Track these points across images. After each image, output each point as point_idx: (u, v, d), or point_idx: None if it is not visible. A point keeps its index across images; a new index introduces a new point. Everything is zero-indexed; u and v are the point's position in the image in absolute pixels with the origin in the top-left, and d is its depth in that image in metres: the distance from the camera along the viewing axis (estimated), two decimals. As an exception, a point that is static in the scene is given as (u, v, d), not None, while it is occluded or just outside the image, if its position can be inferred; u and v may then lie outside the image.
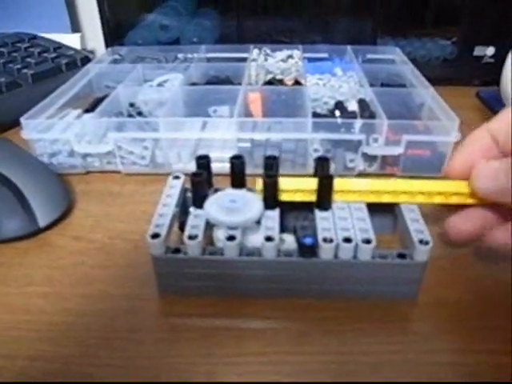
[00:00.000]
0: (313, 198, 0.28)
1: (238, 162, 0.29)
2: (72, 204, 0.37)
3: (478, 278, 0.30)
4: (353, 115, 0.40)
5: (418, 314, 0.27)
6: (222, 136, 0.39)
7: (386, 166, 0.40)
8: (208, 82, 0.50)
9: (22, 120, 0.39)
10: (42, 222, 0.33)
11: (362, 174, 0.40)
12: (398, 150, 0.38)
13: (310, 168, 0.39)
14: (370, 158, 0.39)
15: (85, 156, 0.40)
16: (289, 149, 0.39)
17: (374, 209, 0.29)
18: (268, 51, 0.56)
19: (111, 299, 0.28)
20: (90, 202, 0.37)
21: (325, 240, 0.26)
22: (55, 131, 0.40)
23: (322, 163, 0.30)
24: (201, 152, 0.38)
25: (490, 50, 0.58)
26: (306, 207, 0.30)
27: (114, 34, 0.62)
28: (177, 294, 0.28)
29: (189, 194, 0.31)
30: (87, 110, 0.45)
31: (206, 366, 0.24)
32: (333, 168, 0.39)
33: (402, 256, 0.26)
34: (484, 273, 0.30)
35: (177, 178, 0.31)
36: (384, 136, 0.38)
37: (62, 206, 0.35)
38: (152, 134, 0.39)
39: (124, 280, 0.30)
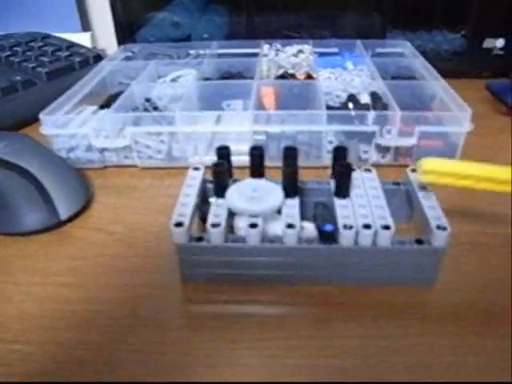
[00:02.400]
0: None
1: (257, 153, 0.30)
2: (91, 198, 0.37)
3: (497, 264, 0.30)
4: (366, 107, 0.41)
5: (436, 298, 0.28)
6: (238, 129, 0.39)
7: (398, 157, 0.40)
8: (221, 77, 0.51)
9: (41, 116, 0.40)
10: (64, 215, 0.34)
11: (375, 165, 0.40)
12: (411, 141, 0.39)
13: (325, 159, 0.39)
14: (383, 150, 0.40)
15: (102, 150, 0.41)
16: (303, 141, 0.39)
17: (390, 197, 0.30)
18: (279, 46, 0.57)
19: (134, 288, 0.29)
20: (108, 195, 0.38)
21: (345, 227, 0.26)
22: (73, 126, 0.41)
23: (339, 152, 0.30)
24: (217, 145, 0.39)
25: (500, 42, 0.58)
26: (324, 196, 0.30)
27: (126, 32, 0.63)
28: (200, 282, 0.29)
29: (208, 185, 0.31)
30: (102, 106, 0.46)
31: (230, 351, 0.25)
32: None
33: (420, 242, 0.27)
34: (503, 260, 0.30)
35: (197, 169, 0.32)
36: (397, 127, 0.38)
37: (82, 199, 0.36)
38: (168, 128, 0.39)
39: (146, 270, 0.30)
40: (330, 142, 0.39)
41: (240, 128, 0.39)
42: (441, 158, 0.29)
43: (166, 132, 0.40)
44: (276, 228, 0.28)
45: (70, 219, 0.35)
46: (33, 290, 0.29)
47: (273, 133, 0.39)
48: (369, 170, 0.32)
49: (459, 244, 0.31)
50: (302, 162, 0.38)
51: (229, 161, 0.31)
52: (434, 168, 0.28)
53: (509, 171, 0.28)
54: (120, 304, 0.28)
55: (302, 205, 0.29)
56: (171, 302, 0.28)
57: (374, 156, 0.40)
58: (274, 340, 0.25)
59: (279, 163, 0.30)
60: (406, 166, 0.39)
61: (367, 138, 0.39)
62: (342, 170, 0.29)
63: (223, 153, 0.30)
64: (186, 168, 0.33)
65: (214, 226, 0.27)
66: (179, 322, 0.27)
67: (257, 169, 0.30)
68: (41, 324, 0.27)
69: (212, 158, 0.31)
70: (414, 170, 0.32)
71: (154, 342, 0.26)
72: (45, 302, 0.28)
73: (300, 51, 0.55)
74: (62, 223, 0.34)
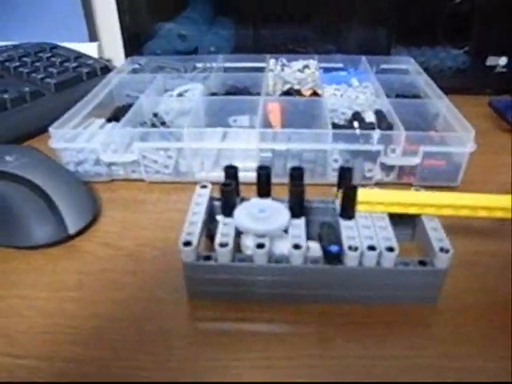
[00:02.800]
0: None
1: (264, 173, 0.31)
2: (99, 211, 0.38)
3: (497, 285, 0.31)
4: (371, 126, 0.41)
5: (438, 318, 0.28)
6: (245, 146, 0.40)
7: (402, 176, 0.41)
8: (227, 93, 0.51)
9: (51, 129, 0.40)
10: (72, 229, 0.34)
11: (379, 184, 0.40)
12: (415, 161, 0.39)
13: (330, 177, 0.40)
14: (387, 168, 0.40)
15: (110, 165, 0.41)
16: (309, 159, 0.40)
17: (393, 218, 0.30)
18: (284, 61, 0.57)
19: (141, 304, 0.29)
20: (115, 209, 0.39)
21: (350, 248, 0.27)
22: (81, 140, 0.41)
23: (345, 173, 0.31)
24: (223, 162, 0.40)
25: (503, 60, 0.59)
26: (329, 215, 0.31)
27: (133, 44, 0.64)
28: (206, 299, 0.29)
29: (215, 203, 0.32)
30: (110, 119, 0.47)
31: (235, 370, 0.25)
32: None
33: (423, 263, 0.28)
34: (504, 280, 0.31)
35: (204, 187, 0.32)
36: (402, 147, 0.39)
37: (91, 213, 0.36)
38: (176, 144, 0.40)
39: (153, 286, 0.31)
40: (336, 161, 0.39)
41: (246, 145, 0.40)
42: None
43: (173, 148, 0.40)
44: (282, 247, 0.28)
45: (78, 233, 0.35)
46: (40, 304, 0.30)
47: (279, 150, 0.40)
48: None
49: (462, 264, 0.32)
50: (307, 179, 0.38)
51: (236, 180, 0.31)
52: (367, 198, 0.30)
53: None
54: (127, 320, 0.28)
55: (308, 224, 0.30)
56: (177, 319, 0.28)
57: (378, 174, 0.40)
58: (278, 359, 0.26)
59: (285, 180, 0.31)
60: (410, 185, 0.40)
61: (372, 156, 0.39)
62: (347, 193, 0.29)
63: (231, 172, 0.31)
64: (193, 183, 0.33)
65: (222, 245, 0.27)
66: (185, 340, 0.27)
67: (264, 188, 0.31)
68: (48, 339, 0.27)
69: (218, 174, 0.31)
70: (417, 190, 0.32)
71: (159, 359, 0.26)
72: (52, 316, 0.29)
73: (306, 66, 0.56)
74: (70, 237, 0.35)
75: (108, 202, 0.39)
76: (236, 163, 0.31)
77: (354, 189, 0.29)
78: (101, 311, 0.29)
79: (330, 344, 0.27)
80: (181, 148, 0.40)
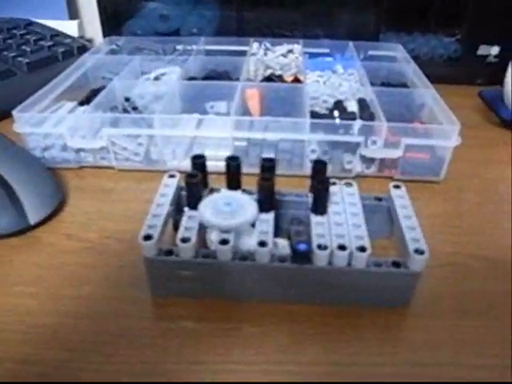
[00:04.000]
0: None
1: (234, 164, 0.29)
2: (64, 200, 0.36)
3: (471, 288, 0.29)
4: (352, 116, 0.40)
5: (409, 322, 0.27)
6: (219, 134, 0.38)
7: (384, 169, 0.39)
8: (206, 77, 0.49)
9: (15, 113, 0.38)
10: (33, 219, 0.33)
11: (359, 176, 0.39)
12: (396, 154, 0.38)
13: (307, 168, 0.38)
14: (368, 160, 0.39)
15: (78, 151, 0.39)
16: (285, 149, 0.38)
17: (371, 212, 0.29)
18: (268, 45, 0.55)
19: (103, 301, 0.28)
20: (82, 198, 0.37)
21: (319, 247, 0.25)
22: (48, 125, 0.39)
23: (318, 167, 0.29)
24: (196, 150, 0.38)
25: (495, 50, 0.57)
26: (302, 210, 0.29)
27: (112, 23, 0.61)
28: (169, 296, 0.28)
29: (184, 193, 0.30)
30: (82, 103, 0.45)
31: (197, 374, 0.24)
32: (330, 169, 0.39)
33: (396, 264, 0.26)
34: (477, 284, 0.30)
35: (172, 176, 0.31)
36: (383, 138, 0.37)
37: (54, 202, 0.34)
38: (147, 131, 0.38)
39: (117, 281, 0.29)
40: (313, 151, 0.38)
41: (221, 134, 0.38)
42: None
43: (144, 135, 0.38)
44: (249, 243, 0.27)
45: (40, 223, 0.33)
46: (-6, 299, 0.28)
47: (254, 139, 0.38)
48: (350, 184, 0.31)
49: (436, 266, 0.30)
50: (283, 170, 0.38)
51: (204, 170, 0.30)
52: None
53: None
54: (88, 318, 0.27)
55: (278, 218, 0.28)
56: (141, 318, 0.27)
57: (358, 167, 0.39)
58: (241, 363, 0.24)
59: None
60: (391, 178, 0.39)
61: (352, 148, 0.38)
62: (319, 187, 0.28)
63: (198, 162, 0.29)
64: (164, 172, 0.32)
65: (184, 240, 0.26)
66: (149, 340, 0.26)
67: (233, 179, 0.29)
68: (0, 338, 0.26)
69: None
70: (396, 187, 0.31)
71: (121, 361, 0.24)
72: (6, 313, 0.27)
73: (290, 51, 0.54)
74: (31, 227, 0.33)
75: (75, 190, 0.38)
76: (209, 152, 0.30)
77: (326, 183, 0.27)
78: (59, 308, 0.27)
79: (293, 348, 0.25)
80: (152, 135, 0.38)
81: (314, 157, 0.38)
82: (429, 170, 0.39)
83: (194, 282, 0.27)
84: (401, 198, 0.30)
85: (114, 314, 0.27)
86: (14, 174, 0.33)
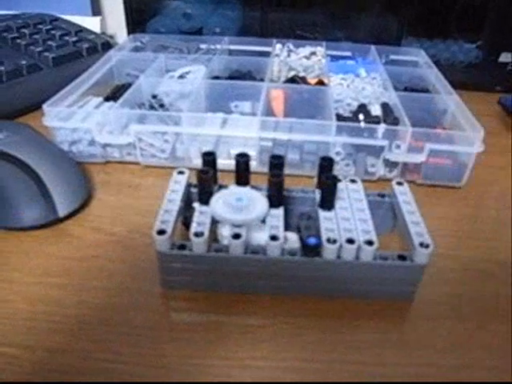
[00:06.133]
0: None
1: (242, 160, 0.29)
2: (91, 194, 0.37)
3: (474, 279, 0.30)
4: (376, 120, 0.40)
5: (414, 314, 0.28)
6: (245, 134, 0.38)
7: (406, 173, 0.40)
8: (230, 76, 0.50)
9: (45, 107, 0.39)
10: (62, 212, 0.33)
11: (381, 180, 0.39)
12: (420, 158, 0.38)
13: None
14: (391, 164, 0.39)
15: (105, 146, 0.40)
16: (310, 150, 0.38)
17: (375, 208, 0.30)
18: (291, 47, 0.56)
19: (129, 294, 0.28)
20: (108, 192, 0.37)
21: (328, 240, 0.26)
22: (77, 119, 0.40)
23: (326, 163, 0.30)
24: (222, 148, 0.39)
25: (516, 57, 0.57)
26: (309, 205, 0.30)
27: (136, 21, 0.62)
28: (180, 290, 0.28)
29: (192, 190, 0.31)
30: (108, 98, 0.45)
31: (221, 369, 0.24)
32: (353, 172, 0.39)
33: (402, 258, 0.27)
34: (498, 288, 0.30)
35: (181, 173, 0.31)
36: (407, 143, 0.37)
37: (82, 196, 0.35)
38: (174, 128, 0.39)
39: (142, 275, 0.30)
40: (338, 154, 0.38)
41: (246, 133, 0.38)
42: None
43: (170, 132, 0.39)
44: (260, 237, 0.27)
45: (68, 216, 0.34)
46: (25, 289, 0.29)
47: (280, 140, 0.38)
48: (354, 181, 0.32)
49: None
50: (307, 171, 0.38)
51: (214, 167, 0.30)
52: None
53: None
54: (113, 310, 0.27)
55: (287, 214, 0.29)
56: (164, 312, 0.28)
57: (381, 170, 0.39)
58: (249, 359, 0.25)
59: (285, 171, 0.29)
60: (413, 183, 0.39)
61: (376, 151, 0.38)
62: (327, 183, 0.28)
63: (209, 159, 0.30)
64: (190, 169, 0.32)
65: (197, 235, 0.26)
66: (171, 334, 0.26)
67: (242, 176, 0.30)
68: (30, 326, 0.26)
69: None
70: (399, 183, 0.31)
71: (142, 353, 0.25)
72: (36, 303, 0.28)
73: (313, 53, 0.54)
74: (60, 220, 0.34)
75: (101, 184, 0.38)
76: (235, 151, 0.30)
77: (334, 179, 0.28)
78: (86, 299, 0.28)
79: (304, 339, 0.26)
80: (178, 133, 0.39)
81: (338, 159, 0.38)
82: (451, 176, 0.39)
83: (206, 276, 0.28)
84: (404, 195, 0.30)
85: (139, 307, 0.28)
86: (44, 168, 0.34)
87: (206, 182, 0.29)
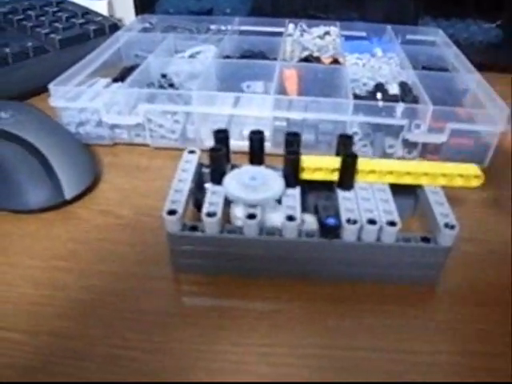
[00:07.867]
0: (333, 177, 0.27)
1: (256, 138, 0.28)
2: (98, 176, 0.36)
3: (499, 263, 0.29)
4: (395, 98, 0.38)
5: (438, 299, 0.27)
6: (258, 113, 0.37)
7: (426, 154, 0.38)
8: (242, 56, 0.48)
9: (51, 86, 0.37)
10: (69, 194, 0.32)
11: (400, 161, 0.38)
12: (441, 139, 0.36)
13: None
14: (410, 145, 0.37)
15: (113, 127, 0.39)
16: (326, 130, 0.37)
17: (394, 191, 0.28)
18: (304, 26, 0.54)
19: (136, 278, 0.27)
20: (116, 174, 0.36)
21: (348, 221, 0.25)
22: (84, 99, 0.38)
23: (344, 141, 0.28)
24: (234, 129, 0.37)
25: (539, 37, 0.55)
26: (326, 186, 0.28)
27: (145, 1, 0.60)
28: (191, 274, 0.27)
29: (204, 170, 0.30)
30: (116, 79, 0.44)
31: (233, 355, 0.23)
32: (371, 152, 0.38)
33: (426, 240, 0.25)
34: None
35: (192, 152, 0.30)
36: (427, 122, 0.36)
37: (89, 178, 0.34)
38: (184, 108, 0.37)
39: (150, 259, 0.29)
40: (355, 134, 0.36)
41: (260, 113, 0.37)
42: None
43: (181, 111, 0.37)
44: (275, 219, 0.26)
45: (75, 199, 0.33)
46: (30, 273, 0.28)
47: (294, 120, 0.37)
48: None
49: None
50: (323, 151, 0.36)
51: (227, 145, 0.29)
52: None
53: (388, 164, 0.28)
54: (121, 295, 0.26)
55: (304, 195, 0.27)
56: (172, 297, 0.27)
57: (399, 151, 0.37)
58: (264, 337, 0.24)
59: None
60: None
61: (394, 131, 0.36)
62: (347, 160, 0.26)
63: (221, 136, 0.28)
64: (201, 151, 0.31)
65: (210, 215, 0.25)
66: (178, 319, 0.25)
67: (256, 155, 0.28)
68: (35, 311, 0.25)
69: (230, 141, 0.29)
70: None
71: (149, 339, 0.24)
72: (41, 287, 0.27)
73: (326, 33, 0.52)
74: (66, 202, 0.32)
75: (109, 166, 0.37)
76: (247, 131, 0.29)
77: (353, 157, 0.26)
78: (93, 283, 0.27)
79: (321, 324, 0.25)
80: (189, 112, 0.37)
81: (356, 139, 0.36)
82: (473, 157, 0.37)
83: (218, 258, 0.26)
84: None
85: (147, 292, 0.27)
86: (51, 150, 0.33)
87: (218, 160, 0.27)
